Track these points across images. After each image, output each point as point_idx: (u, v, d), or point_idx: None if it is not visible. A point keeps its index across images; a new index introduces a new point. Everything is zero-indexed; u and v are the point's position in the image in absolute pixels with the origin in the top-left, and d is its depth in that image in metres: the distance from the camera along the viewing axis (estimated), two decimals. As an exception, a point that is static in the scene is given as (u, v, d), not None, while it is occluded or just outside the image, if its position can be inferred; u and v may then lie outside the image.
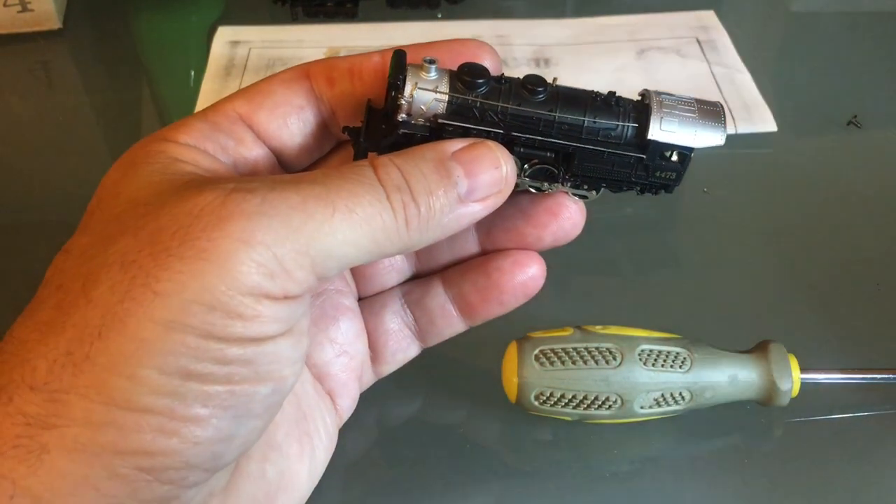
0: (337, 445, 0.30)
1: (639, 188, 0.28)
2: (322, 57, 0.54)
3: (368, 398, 0.31)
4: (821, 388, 0.35)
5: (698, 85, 0.54)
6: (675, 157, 0.27)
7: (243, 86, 0.54)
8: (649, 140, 0.26)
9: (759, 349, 0.34)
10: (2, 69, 0.58)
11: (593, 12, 0.61)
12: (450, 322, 0.31)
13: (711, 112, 0.27)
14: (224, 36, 0.59)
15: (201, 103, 0.53)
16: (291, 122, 0.26)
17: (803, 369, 0.34)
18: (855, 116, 0.52)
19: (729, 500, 0.33)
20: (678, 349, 0.33)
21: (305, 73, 0.27)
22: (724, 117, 0.27)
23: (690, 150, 0.27)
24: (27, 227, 0.47)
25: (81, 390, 0.19)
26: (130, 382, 0.19)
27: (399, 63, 0.25)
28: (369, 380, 0.31)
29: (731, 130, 0.50)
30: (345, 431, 0.30)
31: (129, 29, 0.62)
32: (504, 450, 0.35)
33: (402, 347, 0.31)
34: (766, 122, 0.51)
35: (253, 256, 0.20)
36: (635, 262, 0.44)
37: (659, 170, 0.27)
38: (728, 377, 0.33)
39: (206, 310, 0.19)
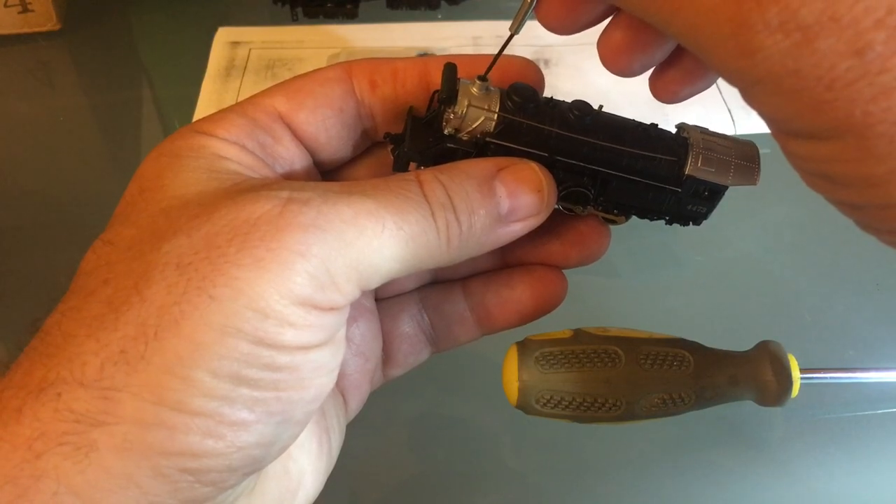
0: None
1: (668, 218, 0.28)
2: (323, 57, 0.55)
3: (370, 397, 0.31)
4: (821, 388, 0.35)
5: (698, 85, 0.54)
6: (707, 194, 0.27)
7: (243, 87, 0.54)
8: (687, 175, 0.26)
9: (759, 349, 0.34)
10: (2, 69, 0.58)
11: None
12: (466, 329, 0.31)
13: (747, 152, 0.27)
14: (224, 36, 0.59)
15: (201, 103, 0.53)
16: (330, 125, 0.26)
17: (803, 369, 0.34)
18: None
19: (729, 499, 0.33)
20: (678, 350, 0.33)
21: (348, 72, 0.26)
22: (759, 159, 0.27)
23: (724, 188, 0.27)
24: (27, 227, 0.47)
25: (134, 389, 0.19)
26: (184, 384, 0.19)
27: (451, 77, 0.25)
28: (378, 381, 0.31)
29: (730, 131, 0.50)
30: (347, 429, 0.30)
31: (129, 29, 0.62)
32: (505, 451, 0.35)
33: (414, 351, 0.31)
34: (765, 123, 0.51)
35: (308, 268, 0.20)
36: (635, 263, 0.44)
37: (691, 204, 0.27)
38: (728, 377, 0.33)
39: (260, 317, 0.20)
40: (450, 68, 0.25)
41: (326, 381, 0.22)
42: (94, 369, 0.19)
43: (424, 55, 0.57)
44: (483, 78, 0.25)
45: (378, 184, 0.23)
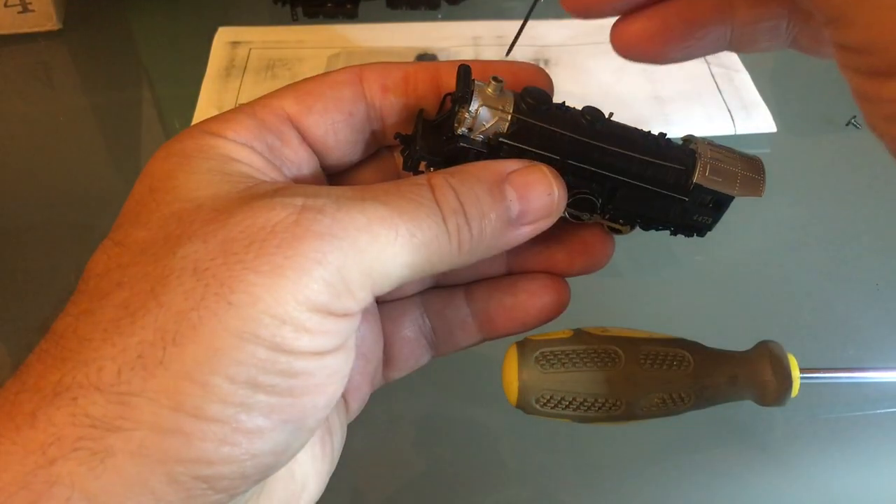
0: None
1: (673, 229, 0.28)
2: (323, 57, 0.55)
3: (370, 397, 0.31)
4: (821, 388, 0.35)
5: (698, 85, 0.54)
6: (713, 204, 0.28)
7: (243, 87, 0.54)
8: (694, 184, 0.27)
9: (759, 349, 0.34)
10: (2, 69, 0.58)
11: (593, 13, 0.61)
12: (467, 335, 0.31)
13: (753, 166, 0.28)
14: (224, 36, 0.59)
15: (201, 103, 0.53)
16: (339, 129, 0.26)
17: (803, 369, 0.34)
18: (854, 117, 0.52)
19: (729, 499, 0.33)
20: (678, 350, 0.33)
21: (358, 76, 0.26)
22: (764, 172, 0.27)
23: (731, 198, 0.27)
24: (27, 227, 0.47)
25: (151, 394, 0.19)
26: (202, 390, 0.19)
27: (466, 77, 0.25)
28: (378, 383, 0.31)
29: (730, 131, 0.50)
30: (347, 429, 0.30)
31: (129, 29, 0.63)
32: (504, 451, 0.35)
33: (415, 355, 0.31)
34: (765, 123, 0.51)
35: (324, 276, 0.20)
36: (635, 263, 0.44)
37: (697, 214, 0.28)
38: (728, 377, 0.33)
39: (278, 323, 0.20)
40: (465, 69, 0.25)
41: (338, 387, 0.22)
42: (111, 374, 0.19)
43: (424, 56, 0.57)
44: (498, 79, 0.25)
45: (390, 189, 0.23)
